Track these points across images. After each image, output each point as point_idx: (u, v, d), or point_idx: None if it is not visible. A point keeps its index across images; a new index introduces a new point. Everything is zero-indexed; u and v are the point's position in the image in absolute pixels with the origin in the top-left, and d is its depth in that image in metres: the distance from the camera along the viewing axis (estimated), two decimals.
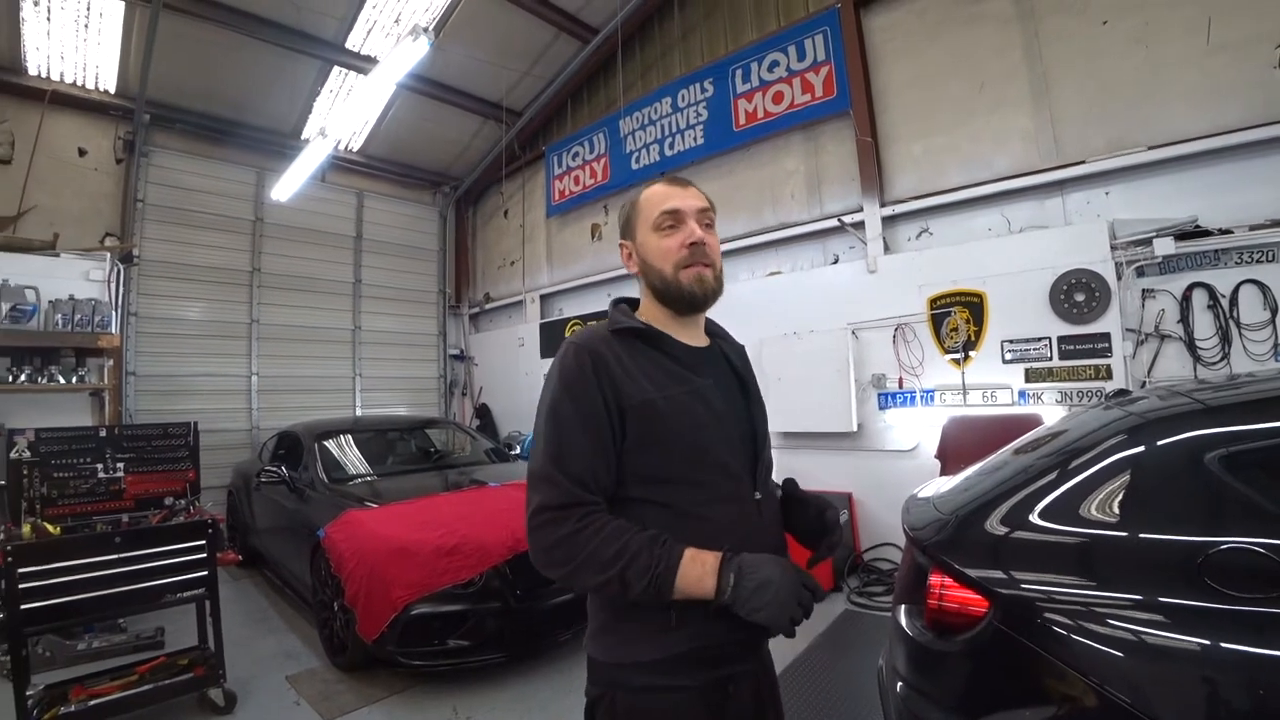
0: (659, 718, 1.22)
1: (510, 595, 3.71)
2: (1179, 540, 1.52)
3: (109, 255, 5.70)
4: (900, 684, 1.89)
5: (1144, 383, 4.48)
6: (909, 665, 1.86)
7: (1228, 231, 4.23)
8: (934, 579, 1.77)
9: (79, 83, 7.18)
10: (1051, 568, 1.63)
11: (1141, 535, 1.58)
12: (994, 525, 1.81)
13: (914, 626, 1.87)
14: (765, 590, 1.10)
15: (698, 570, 1.13)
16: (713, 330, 1.51)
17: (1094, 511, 1.67)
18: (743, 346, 1.57)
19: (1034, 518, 1.74)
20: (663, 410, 1.24)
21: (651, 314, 1.40)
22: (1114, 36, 4.80)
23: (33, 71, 6.84)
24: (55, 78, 7.00)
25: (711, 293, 1.35)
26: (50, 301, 5.09)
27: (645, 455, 1.24)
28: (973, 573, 1.70)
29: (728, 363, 1.45)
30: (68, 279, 5.33)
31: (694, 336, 1.42)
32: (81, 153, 7.32)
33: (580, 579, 1.18)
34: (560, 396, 1.24)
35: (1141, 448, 1.77)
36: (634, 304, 1.46)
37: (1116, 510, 1.64)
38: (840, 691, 3.40)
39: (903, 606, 1.99)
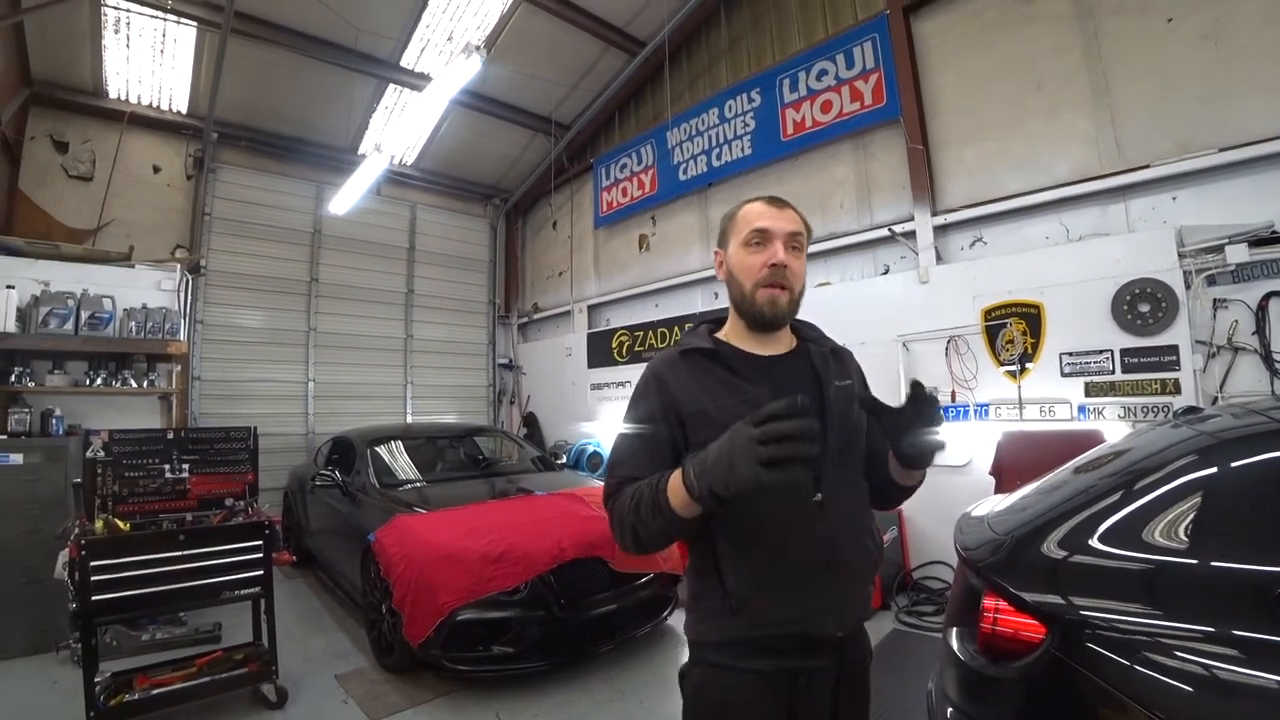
0: (724, 694, 1.35)
1: (554, 604, 3.73)
2: (1254, 570, 1.44)
3: (179, 266, 6.01)
4: (950, 709, 1.82)
5: (1215, 398, 4.24)
6: (960, 690, 1.80)
7: None
8: (988, 602, 1.70)
9: (154, 104, 7.62)
10: (1114, 594, 1.56)
11: (1213, 563, 1.50)
12: (1051, 548, 1.73)
13: (966, 650, 1.80)
14: (718, 458, 1.13)
15: (677, 484, 1.21)
16: (806, 335, 1.56)
17: (1160, 536, 1.59)
18: (836, 349, 1.57)
19: (1095, 541, 1.66)
20: (715, 418, 1.32)
21: (734, 326, 1.52)
22: (1180, 34, 4.59)
23: (112, 95, 7.30)
24: (133, 100, 7.45)
25: (783, 315, 1.44)
26: (125, 310, 5.37)
27: None
28: (1029, 597, 1.63)
29: (810, 365, 1.48)
30: (141, 289, 5.63)
31: (769, 346, 1.49)
32: (156, 170, 7.76)
33: (627, 537, 1.33)
34: (628, 411, 1.47)
35: (1214, 469, 1.69)
36: (723, 320, 1.57)
37: (1185, 535, 1.56)
38: (888, 712, 3.30)
39: (955, 629, 1.93)
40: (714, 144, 7.66)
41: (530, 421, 10.14)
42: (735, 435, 1.12)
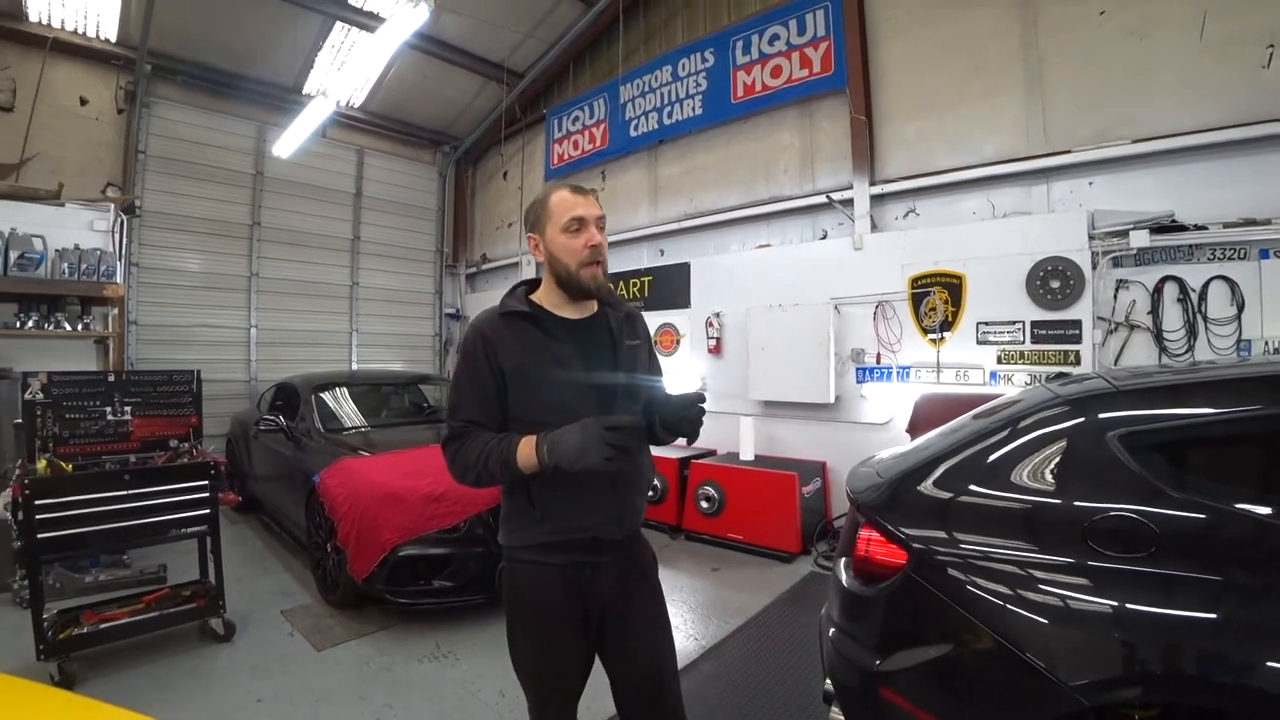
0: (527, 583, 1.74)
1: (492, 540, 3.91)
2: (1072, 505, 1.73)
3: (113, 206, 5.82)
4: (833, 629, 2.11)
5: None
6: (841, 611, 2.09)
7: (1202, 228, 4.33)
8: (863, 533, 1.99)
9: (80, 30, 7.19)
10: (961, 527, 1.84)
11: (1044, 501, 1.79)
12: (928, 488, 2.00)
13: (848, 578, 2.08)
14: (570, 446, 1.53)
15: (528, 450, 1.59)
16: (606, 300, 1.85)
17: (1016, 478, 1.86)
18: (629, 312, 1.90)
19: (955, 483, 1.94)
20: (528, 371, 1.69)
21: (548, 292, 1.81)
22: (1110, 28, 4.82)
23: (33, 18, 6.86)
24: (56, 25, 7.01)
25: (601, 285, 1.76)
26: (57, 250, 5.23)
27: (519, 400, 1.71)
28: (895, 529, 1.91)
29: (607, 327, 1.81)
30: (73, 229, 5.47)
31: (576, 310, 1.81)
32: (83, 102, 7.37)
33: (470, 478, 1.67)
34: (459, 366, 1.76)
35: (1060, 425, 1.94)
36: (536, 283, 1.85)
37: (1026, 479, 1.84)
38: (793, 640, 3.69)
39: (843, 560, 2.21)
40: (665, 102, 7.70)
41: None
42: (588, 430, 1.52)
